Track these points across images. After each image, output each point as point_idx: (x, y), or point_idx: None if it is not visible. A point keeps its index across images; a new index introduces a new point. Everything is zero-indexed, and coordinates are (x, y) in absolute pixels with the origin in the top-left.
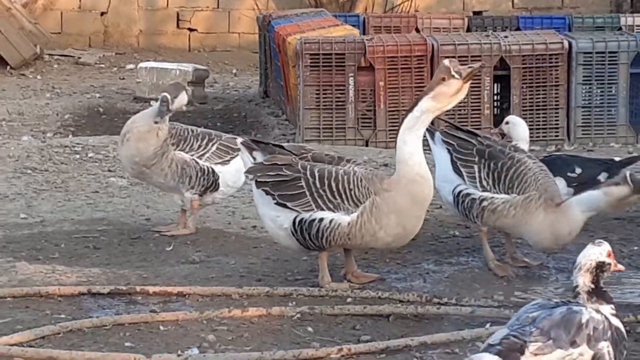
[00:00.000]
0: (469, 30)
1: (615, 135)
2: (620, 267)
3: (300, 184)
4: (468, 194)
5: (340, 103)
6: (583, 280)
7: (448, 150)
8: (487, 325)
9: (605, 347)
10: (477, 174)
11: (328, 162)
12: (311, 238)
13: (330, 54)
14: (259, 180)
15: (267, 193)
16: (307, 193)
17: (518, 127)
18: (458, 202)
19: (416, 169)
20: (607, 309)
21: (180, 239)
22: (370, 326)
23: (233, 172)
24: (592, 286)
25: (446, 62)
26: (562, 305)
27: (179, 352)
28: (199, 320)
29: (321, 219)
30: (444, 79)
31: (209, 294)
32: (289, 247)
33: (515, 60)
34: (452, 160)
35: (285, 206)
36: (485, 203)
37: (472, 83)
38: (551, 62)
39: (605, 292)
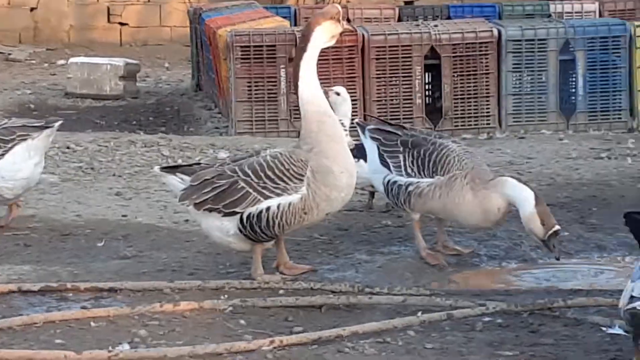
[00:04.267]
0: (400, 20)
1: (546, 122)
2: None
3: (240, 186)
4: (395, 182)
5: (272, 95)
6: None
7: (376, 144)
8: (419, 314)
9: None
10: (402, 163)
11: (249, 156)
12: (262, 230)
13: (262, 46)
14: (197, 202)
15: (211, 210)
16: (251, 190)
17: (345, 103)
18: (388, 191)
19: (322, 108)
20: None
21: (111, 234)
22: (302, 317)
23: (9, 165)
24: None
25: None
26: None
27: (110, 348)
28: (131, 316)
29: (268, 208)
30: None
31: (141, 288)
32: (242, 249)
33: (446, 49)
34: (379, 153)
35: (234, 213)
36: (411, 188)
37: (403, 72)
38: (481, 51)
39: None
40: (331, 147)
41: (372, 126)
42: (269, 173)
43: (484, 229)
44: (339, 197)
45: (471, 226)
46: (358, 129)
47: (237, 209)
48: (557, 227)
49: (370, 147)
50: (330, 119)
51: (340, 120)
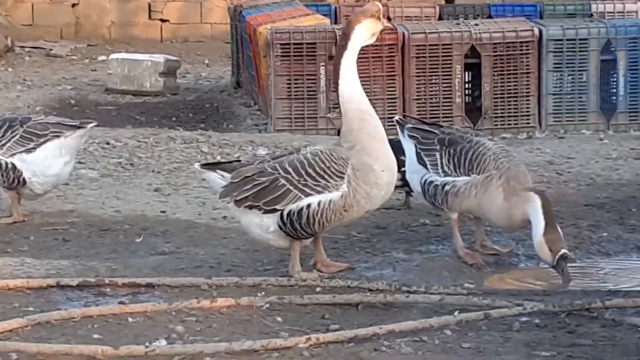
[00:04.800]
0: (440, 18)
1: (586, 122)
2: None
3: (281, 184)
4: (432, 182)
5: (311, 93)
6: None
7: (414, 143)
8: (456, 313)
9: None
10: (438, 161)
11: (289, 154)
12: (302, 227)
13: (302, 44)
14: (237, 199)
15: (251, 207)
16: (292, 188)
17: None
18: (425, 191)
19: (362, 106)
20: None
21: (150, 230)
22: (339, 315)
23: (40, 160)
24: None
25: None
26: None
27: (147, 344)
28: (168, 312)
29: (308, 205)
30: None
31: (178, 285)
32: (281, 246)
33: (486, 48)
34: (416, 152)
35: (274, 210)
36: (447, 187)
37: (443, 71)
38: (522, 50)
39: None
40: (372, 144)
41: (410, 125)
42: (310, 170)
43: (510, 228)
44: (379, 195)
45: (501, 227)
46: (397, 127)
47: (277, 206)
48: (563, 251)
49: (409, 147)
50: (372, 117)
51: None
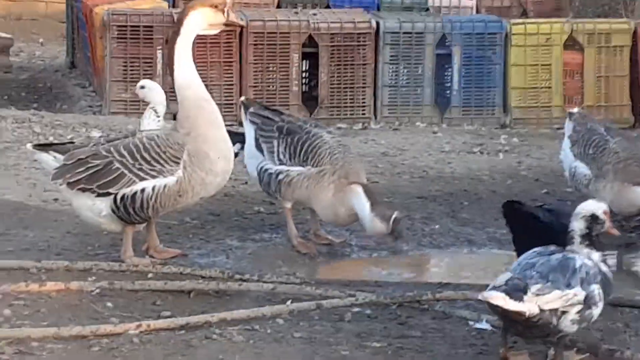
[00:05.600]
0: (279, 6)
1: (421, 114)
2: (615, 231)
3: (115, 167)
4: (267, 170)
5: (148, 76)
6: (578, 226)
7: (254, 128)
8: (289, 302)
9: (595, 289)
10: (275, 149)
11: (124, 137)
12: (136, 211)
13: (138, 27)
14: (70, 181)
15: (84, 190)
16: (126, 172)
17: (153, 91)
18: (260, 178)
19: (199, 93)
20: (597, 256)
21: None
22: (171, 302)
23: None
24: (586, 231)
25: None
26: (557, 252)
27: None
28: None
29: (143, 189)
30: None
31: (6, 267)
32: (113, 230)
33: (324, 38)
34: (255, 138)
35: (108, 194)
36: (281, 176)
37: (280, 59)
38: (359, 41)
39: (595, 241)
40: (209, 131)
41: (253, 109)
42: (145, 155)
43: (337, 225)
44: (215, 182)
45: (328, 222)
46: (242, 108)
47: (111, 190)
48: (394, 215)
49: (249, 131)
50: (208, 104)
51: (153, 107)
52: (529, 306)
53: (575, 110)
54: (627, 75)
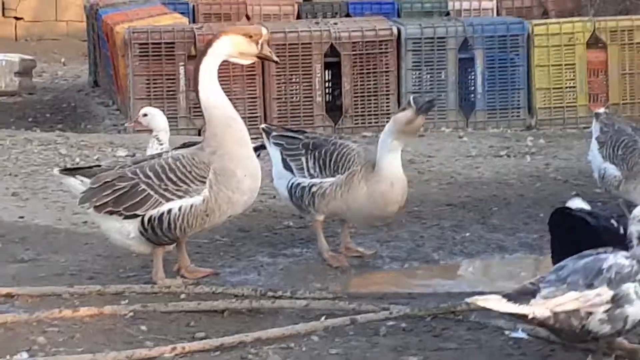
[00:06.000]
0: (299, 16)
1: (446, 119)
2: None
3: (141, 188)
4: (298, 184)
5: (171, 93)
6: (635, 228)
7: (279, 149)
8: (322, 318)
9: (630, 287)
10: (304, 165)
11: (150, 158)
12: (164, 232)
13: (160, 44)
14: (97, 205)
15: (112, 213)
16: (153, 193)
17: (156, 118)
18: (292, 194)
19: (227, 112)
20: None
21: (7, 237)
22: (204, 322)
23: None
24: None
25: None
26: (593, 254)
27: (8, 357)
28: (29, 322)
29: (169, 210)
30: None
31: (39, 294)
32: (143, 252)
33: (346, 47)
34: (282, 159)
35: (135, 216)
36: (314, 189)
37: (303, 70)
38: (381, 49)
39: None
40: (235, 150)
41: (275, 133)
42: (171, 175)
43: (381, 219)
44: (241, 200)
45: (374, 217)
46: (263, 134)
47: (138, 212)
48: (411, 99)
49: (274, 154)
50: (236, 123)
51: (155, 135)
52: (534, 309)
53: (602, 110)
54: None
